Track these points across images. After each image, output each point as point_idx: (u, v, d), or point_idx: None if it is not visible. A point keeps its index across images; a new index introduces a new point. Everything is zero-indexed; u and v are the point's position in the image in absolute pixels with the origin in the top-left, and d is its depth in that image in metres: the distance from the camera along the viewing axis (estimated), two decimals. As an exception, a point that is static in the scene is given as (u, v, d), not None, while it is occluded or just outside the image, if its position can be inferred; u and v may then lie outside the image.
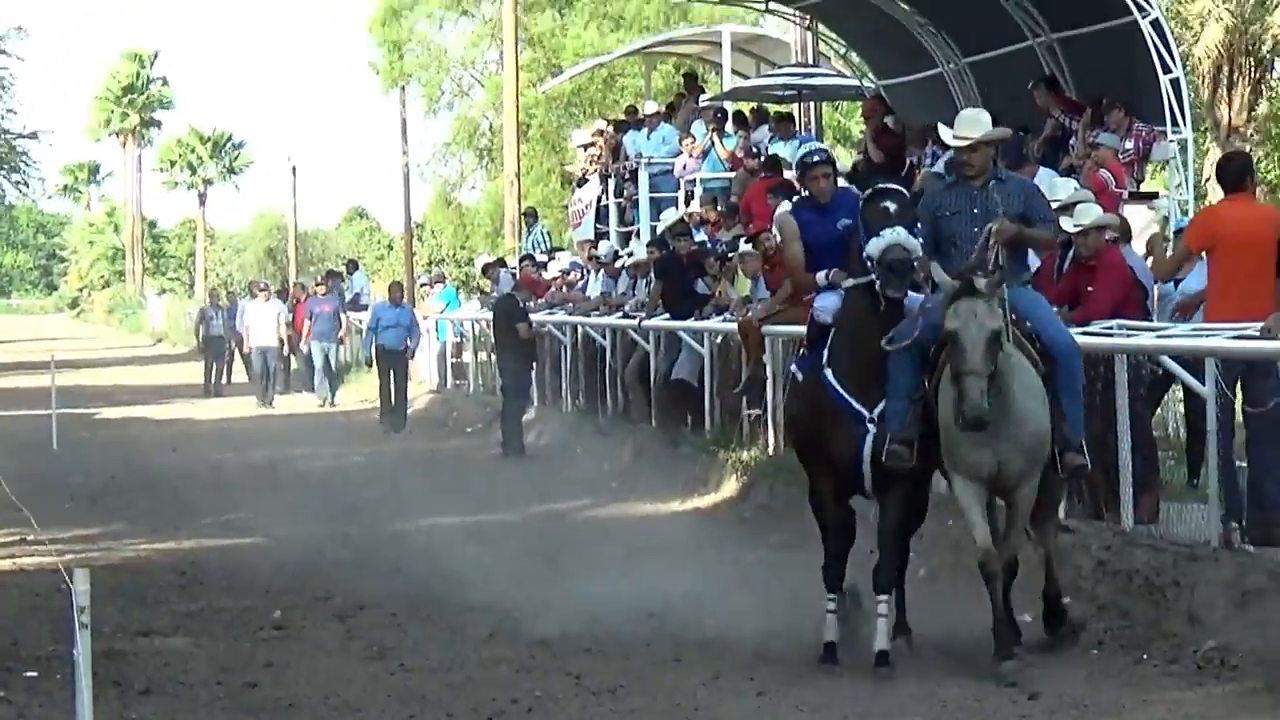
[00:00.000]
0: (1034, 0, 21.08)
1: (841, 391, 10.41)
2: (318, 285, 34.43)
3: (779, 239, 11.52)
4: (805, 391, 10.79)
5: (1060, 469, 10.21)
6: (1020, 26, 21.24)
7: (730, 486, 17.45)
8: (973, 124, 10.73)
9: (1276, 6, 33.76)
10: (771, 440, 17.34)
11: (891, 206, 10.29)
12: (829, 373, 10.50)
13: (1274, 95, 35.69)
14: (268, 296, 35.78)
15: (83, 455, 23.78)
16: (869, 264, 10.25)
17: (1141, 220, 16.86)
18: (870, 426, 10.29)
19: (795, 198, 12.02)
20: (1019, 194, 10.60)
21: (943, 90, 23.30)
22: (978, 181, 10.52)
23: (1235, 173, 12.74)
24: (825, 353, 10.65)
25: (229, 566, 15.41)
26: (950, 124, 10.84)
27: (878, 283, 10.30)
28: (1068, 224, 11.33)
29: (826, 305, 10.85)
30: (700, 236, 22.44)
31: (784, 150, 24.35)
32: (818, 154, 11.22)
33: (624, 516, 17.57)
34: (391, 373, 27.77)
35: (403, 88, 55.09)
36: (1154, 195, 19.39)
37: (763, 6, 27.15)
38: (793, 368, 11.26)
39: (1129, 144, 18.12)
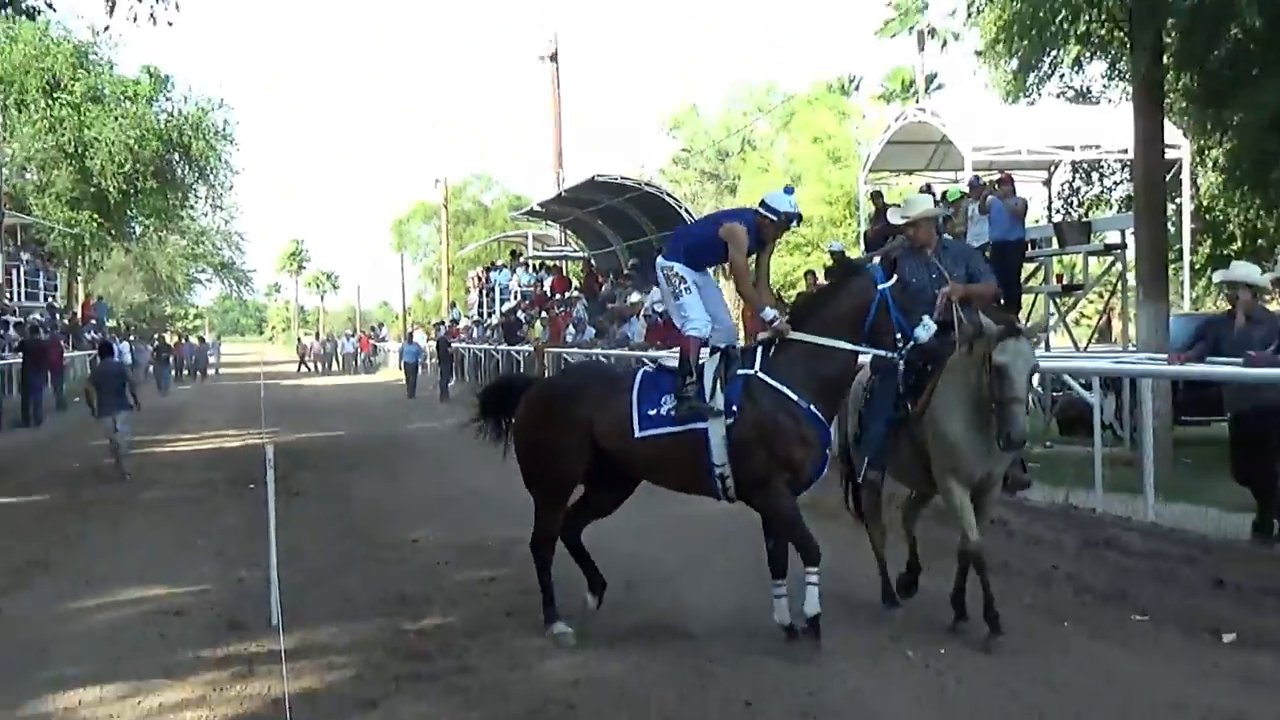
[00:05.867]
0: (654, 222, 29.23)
1: (810, 408, 8.78)
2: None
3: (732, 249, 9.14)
4: (771, 412, 8.75)
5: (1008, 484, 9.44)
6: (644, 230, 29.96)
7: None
8: (914, 204, 9.60)
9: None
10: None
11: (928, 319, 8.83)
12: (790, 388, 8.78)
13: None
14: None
15: (274, 398, 33.74)
16: (916, 346, 8.66)
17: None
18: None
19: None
20: (961, 257, 9.57)
21: (613, 259, 34.74)
22: (928, 251, 9.50)
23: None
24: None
25: (323, 448, 19.66)
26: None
27: (903, 360, 8.85)
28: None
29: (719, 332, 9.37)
30: (519, 314, 34.18)
31: (523, 276, 37.45)
32: (797, 219, 9.24)
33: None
34: (412, 376, 38.39)
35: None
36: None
37: (542, 225, 40.87)
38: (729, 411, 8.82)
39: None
